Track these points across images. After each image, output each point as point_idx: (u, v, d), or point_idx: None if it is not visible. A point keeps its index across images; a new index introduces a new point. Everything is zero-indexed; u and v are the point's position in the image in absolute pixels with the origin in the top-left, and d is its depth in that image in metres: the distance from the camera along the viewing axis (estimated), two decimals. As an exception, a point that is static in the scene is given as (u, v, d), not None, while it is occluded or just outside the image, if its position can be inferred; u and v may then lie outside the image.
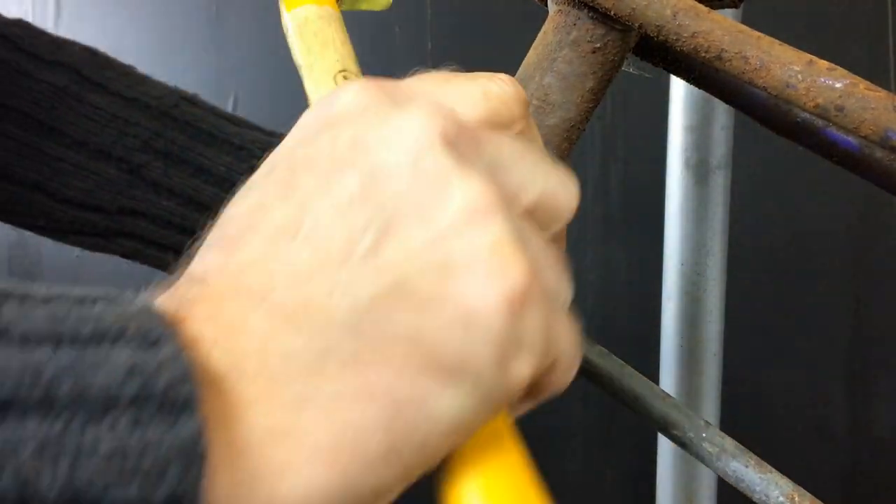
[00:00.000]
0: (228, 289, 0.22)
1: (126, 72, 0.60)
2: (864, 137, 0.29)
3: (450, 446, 0.23)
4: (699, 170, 0.70)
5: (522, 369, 0.23)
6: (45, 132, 0.55)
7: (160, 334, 0.19)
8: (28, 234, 0.66)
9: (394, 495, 0.22)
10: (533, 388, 0.25)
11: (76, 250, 0.63)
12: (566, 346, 0.25)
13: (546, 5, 0.40)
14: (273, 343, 0.21)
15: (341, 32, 0.42)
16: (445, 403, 0.22)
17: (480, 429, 0.23)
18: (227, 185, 0.56)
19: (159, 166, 0.57)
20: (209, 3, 1.20)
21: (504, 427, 0.25)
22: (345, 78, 0.39)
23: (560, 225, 0.26)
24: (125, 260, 0.64)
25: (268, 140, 0.60)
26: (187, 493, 0.18)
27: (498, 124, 0.26)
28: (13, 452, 0.17)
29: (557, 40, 0.38)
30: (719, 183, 0.71)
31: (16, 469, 0.17)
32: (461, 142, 0.23)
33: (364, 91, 0.24)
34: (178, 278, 0.23)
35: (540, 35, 0.39)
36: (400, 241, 0.22)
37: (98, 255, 0.59)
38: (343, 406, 0.21)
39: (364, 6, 0.50)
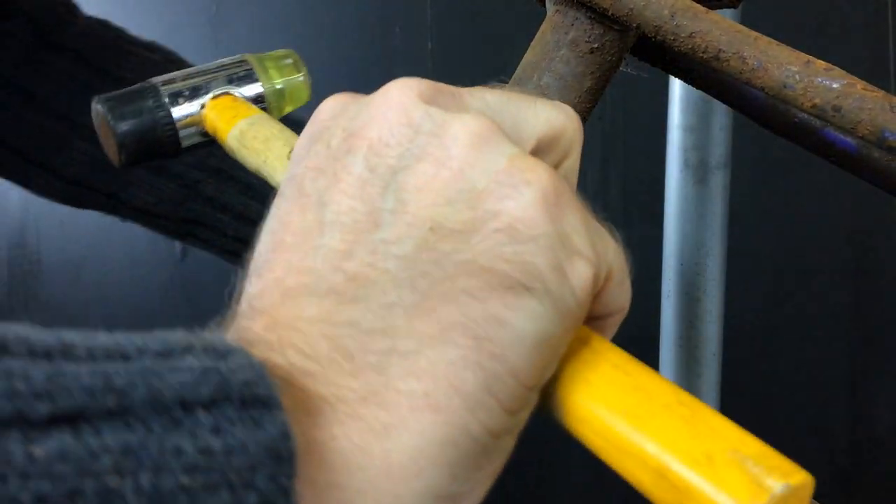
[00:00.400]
0: (275, 300, 0.22)
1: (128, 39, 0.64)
2: (861, 138, 0.29)
3: (546, 367, 0.23)
4: (699, 170, 0.70)
5: (582, 271, 0.23)
6: None
7: (228, 348, 0.19)
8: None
9: (509, 433, 0.22)
10: (601, 302, 0.25)
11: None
12: (614, 255, 0.25)
13: (544, 6, 0.40)
14: (336, 320, 0.21)
15: (276, 125, 0.46)
16: (522, 317, 0.22)
17: (575, 348, 0.24)
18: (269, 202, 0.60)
19: (212, 183, 0.61)
20: (209, 3, 1.21)
21: (583, 332, 0.24)
22: None
23: (569, 155, 0.27)
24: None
25: None
26: (279, 494, 0.18)
27: (555, 152, 0.26)
28: (92, 466, 0.16)
29: (555, 40, 0.38)
30: (719, 183, 0.71)
31: (97, 484, 0.16)
32: (440, 98, 0.24)
33: (339, 97, 0.26)
34: (227, 326, 0.23)
35: (538, 35, 0.39)
36: (419, 189, 0.22)
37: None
38: (425, 352, 0.21)
39: (289, 108, 0.53)
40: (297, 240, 0.23)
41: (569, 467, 1.22)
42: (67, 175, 0.62)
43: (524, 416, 0.23)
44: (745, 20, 0.40)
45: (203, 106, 0.49)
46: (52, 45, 0.61)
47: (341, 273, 0.22)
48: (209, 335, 0.20)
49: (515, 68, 0.40)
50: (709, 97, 0.42)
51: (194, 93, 0.49)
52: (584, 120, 0.39)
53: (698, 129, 0.70)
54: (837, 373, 1.19)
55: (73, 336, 0.18)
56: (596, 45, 0.37)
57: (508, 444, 0.23)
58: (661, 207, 0.74)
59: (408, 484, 0.20)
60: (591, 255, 0.23)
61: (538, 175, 0.23)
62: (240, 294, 0.24)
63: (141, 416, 0.17)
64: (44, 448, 0.16)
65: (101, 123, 0.49)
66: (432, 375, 0.21)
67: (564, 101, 0.38)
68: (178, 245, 1.38)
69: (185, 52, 0.67)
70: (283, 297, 0.22)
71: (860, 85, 0.30)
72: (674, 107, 0.71)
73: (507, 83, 0.40)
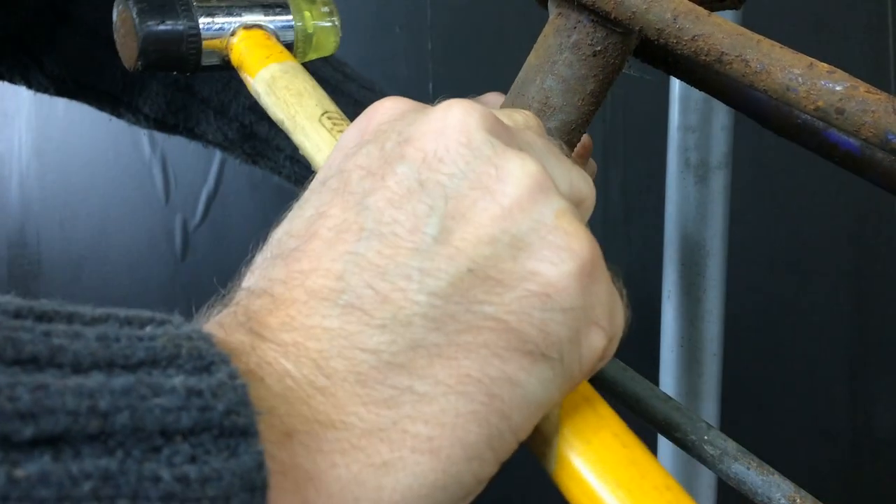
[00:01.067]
0: (298, 295, 0.22)
1: None
2: (865, 140, 0.29)
3: (538, 419, 0.23)
4: (699, 170, 0.70)
5: (595, 341, 0.23)
6: (185, 89, 0.63)
7: (213, 358, 0.19)
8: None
9: (489, 479, 0.23)
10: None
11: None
12: (621, 318, 0.25)
13: (546, 7, 0.40)
14: (358, 341, 0.21)
15: (309, 80, 0.44)
16: (535, 382, 0.22)
17: (579, 406, 0.24)
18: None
19: (265, 125, 0.63)
20: (209, 4, 1.20)
21: (588, 391, 0.25)
22: (329, 119, 0.40)
23: (585, 217, 0.27)
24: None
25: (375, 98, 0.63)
26: None
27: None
28: (72, 492, 0.16)
29: (558, 43, 0.38)
30: (719, 183, 0.71)
31: None
32: (498, 129, 0.24)
33: (398, 100, 0.26)
34: (229, 300, 0.23)
35: (540, 38, 0.39)
36: (467, 221, 0.22)
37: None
38: (439, 399, 0.21)
39: (314, 55, 0.52)
40: (332, 236, 0.22)
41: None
42: (152, 115, 0.65)
43: (501, 464, 0.23)
44: (746, 21, 0.40)
45: (234, 33, 0.48)
46: (67, 19, 0.62)
47: (371, 291, 0.21)
48: (197, 336, 0.20)
49: (515, 69, 0.40)
50: (709, 97, 0.42)
51: (227, 14, 0.48)
52: (587, 122, 0.39)
53: (698, 129, 0.70)
54: (837, 373, 1.19)
55: (60, 330, 0.18)
56: (599, 48, 0.37)
57: (482, 484, 0.23)
58: (661, 207, 0.74)
59: None
60: (607, 326, 0.24)
61: (581, 244, 0.23)
62: (255, 265, 0.24)
63: (122, 442, 0.17)
64: (25, 470, 0.15)
65: (124, 23, 0.47)
66: (440, 423, 0.21)
67: (567, 104, 0.38)
68: (178, 245, 1.38)
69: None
70: (308, 296, 0.21)
71: (863, 87, 0.30)
72: (674, 107, 0.71)
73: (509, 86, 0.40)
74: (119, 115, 0.68)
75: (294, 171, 0.65)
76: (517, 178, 0.23)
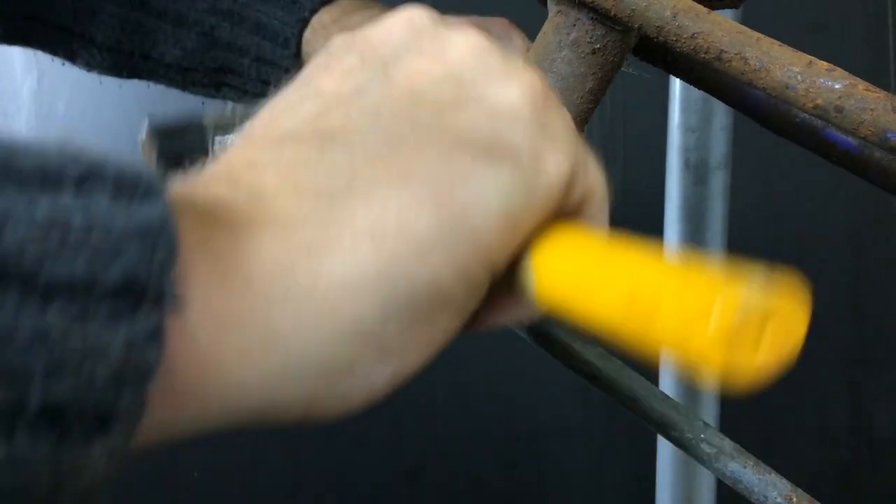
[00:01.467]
0: (233, 152, 0.22)
1: None
2: (864, 138, 0.29)
3: (505, 243, 0.22)
4: (699, 170, 0.70)
5: (559, 161, 0.23)
6: (139, 6, 0.61)
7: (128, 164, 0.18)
8: None
9: (451, 306, 0.21)
10: (579, 209, 0.25)
11: None
12: (595, 173, 0.25)
13: (545, 6, 0.40)
14: (290, 158, 0.21)
15: None
16: (487, 182, 0.21)
17: (550, 234, 0.23)
18: (280, 40, 0.59)
19: (226, 27, 0.61)
20: (209, 3, 1.20)
21: (578, 231, 0.24)
22: None
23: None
24: None
25: None
26: (150, 274, 0.16)
27: None
28: None
29: (557, 41, 0.38)
30: (719, 183, 0.71)
31: None
32: (443, 20, 0.25)
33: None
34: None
35: (539, 36, 0.39)
36: (407, 67, 0.23)
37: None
38: (380, 192, 0.20)
39: None
40: (280, 108, 0.23)
41: (567, 468, 1.22)
42: (106, 43, 0.63)
43: (470, 297, 0.22)
44: (746, 20, 0.40)
45: None
46: None
47: (312, 127, 0.22)
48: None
49: (516, 68, 0.40)
50: (709, 97, 0.42)
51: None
52: (585, 121, 0.39)
53: (698, 129, 0.70)
54: (837, 373, 1.19)
55: None
56: (598, 46, 0.37)
57: (448, 321, 0.22)
58: (661, 207, 0.74)
59: (334, 311, 0.19)
60: (569, 152, 0.23)
61: (530, 76, 0.23)
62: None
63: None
64: None
65: (147, 147, 0.49)
66: (382, 213, 0.20)
67: (566, 102, 0.38)
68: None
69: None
70: (243, 148, 0.22)
71: (862, 86, 0.29)
72: (674, 107, 0.71)
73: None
74: (72, 57, 0.65)
75: (261, 79, 0.61)
76: (460, 46, 0.23)
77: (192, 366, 0.17)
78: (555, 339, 0.35)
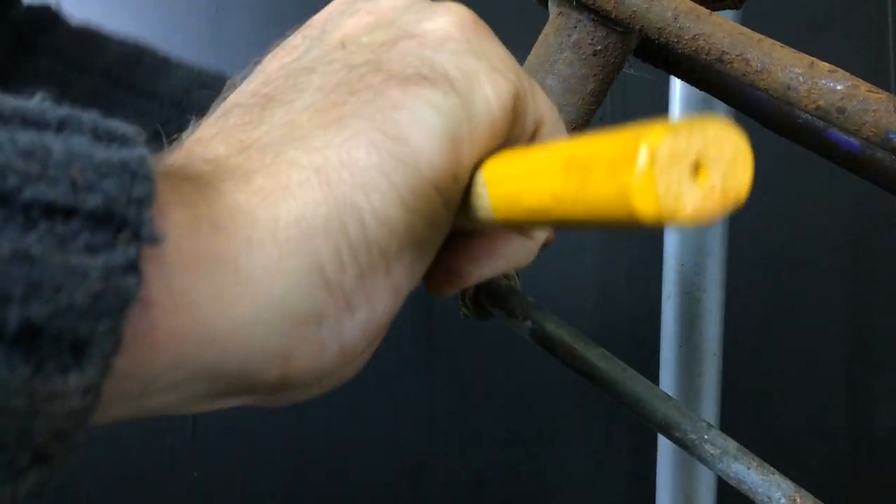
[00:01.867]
0: (203, 124, 0.23)
1: (153, 64, 0.63)
2: (866, 139, 0.29)
3: (450, 167, 0.22)
4: (699, 170, 0.70)
5: (500, 84, 0.23)
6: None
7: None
8: None
9: (414, 239, 0.22)
10: (533, 139, 0.25)
11: None
12: (544, 99, 0.25)
13: (546, 7, 0.40)
14: (232, 123, 0.22)
15: None
16: (423, 105, 0.21)
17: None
18: None
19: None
20: (209, 3, 1.20)
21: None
22: None
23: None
24: None
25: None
26: (128, 207, 0.16)
27: None
28: None
29: (558, 43, 0.38)
30: (719, 183, 0.71)
31: None
32: None
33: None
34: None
35: (541, 37, 0.39)
36: (342, 26, 0.24)
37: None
38: (319, 133, 0.21)
39: None
40: (230, 96, 0.24)
41: (566, 468, 1.22)
42: None
43: (427, 230, 0.22)
44: (747, 20, 0.40)
45: None
46: (34, 49, 0.61)
47: (254, 97, 0.23)
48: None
49: (518, 69, 0.40)
50: (709, 97, 0.42)
51: None
52: (587, 122, 0.39)
53: (699, 129, 0.70)
54: (837, 372, 1.19)
55: None
56: (599, 48, 0.37)
57: (410, 262, 0.22)
58: (661, 208, 0.74)
59: (295, 255, 0.20)
60: (511, 76, 0.23)
61: (460, 9, 0.24)
62: None
63: None
64: None
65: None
66: (324, 153, 0.20)
67: (567, 103, 0.38)
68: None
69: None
70: (193, 131, 0.23)
71: (864, 87, 0.29)
72: (674, 107, 0.71)
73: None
74: None
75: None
76: (391, 1, 0.24)
77: (167, 305, 0.18)
78: (555, 339, 0.35)
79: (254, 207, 0.19)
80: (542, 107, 0.25)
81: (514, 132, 0.24)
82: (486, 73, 0.23)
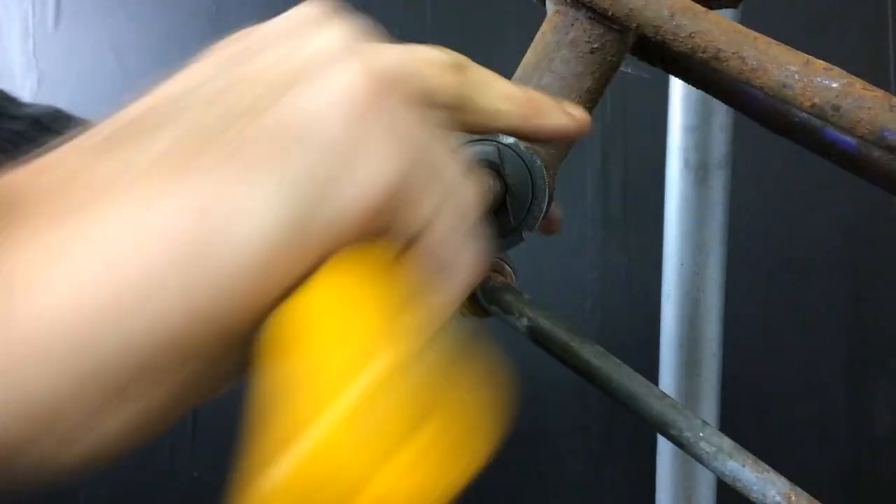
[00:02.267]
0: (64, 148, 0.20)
1: (84, 122, 0.62)
2: (861, 137, 0.29)
3: (259, 286, 0.18)
4: (699, 170, 0.70)
5: (369, 175, 0.18)
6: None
7: None
8: None
9: (195, 363, 0.18)
10: (418, 236, 0.20)
11: None
12: (456, 176, 0.20)
13: (544, 6, 0.40)
14: (67, 165, 0.19)
15: None
16: (254, 203, 0.17)
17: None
18: None
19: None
20: (209, 3, 1.20)
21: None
22: None
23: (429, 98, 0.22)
24: None
25: None
26: None
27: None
28: None
29: (555, 41, 0.38)
30: (719, 183, 0.71)
31: None
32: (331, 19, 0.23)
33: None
34: None
35: (538, 35, 0.39)
36: (250, 66, 0.21)
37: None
38: (127, 208, 0.17)
39: None
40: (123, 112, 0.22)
41: (565, 467, 1.22)
42: None
43: (214, 354, 0.19)
44: (745, 20, 0.40)
45: None
46: None
47: (112, 139, 0.20)
48: None
49: (515, 68, 0.40)
50: (709, 97, 0.42)
51: None
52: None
53: (698, 129, 0.70)
54: (837, 372, 1.19)
55: None
56: (596, 46, 0.37)
57: (177, 386, 0.19)
58: (661, 207, 0.74)
59: (44, 354, 0.17)
60: (400, 158, 0.19)
61: (381, 65, 0.20)
62: None
63: None
64: None
65: None
66: (114, 236, 0.17)
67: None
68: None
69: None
70: (61, 157, 0.20)
71: (859, 84, 0.30)
72: (674, 107, 0.71)
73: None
74: None
75: None
76: (320, 38, 0.21)
77: None
78: (550, 335, 0.35)
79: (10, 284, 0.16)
80: (448, 200, 0.20)
81: (385, 225, 0.20)
82: (353, 164, 0.19)
